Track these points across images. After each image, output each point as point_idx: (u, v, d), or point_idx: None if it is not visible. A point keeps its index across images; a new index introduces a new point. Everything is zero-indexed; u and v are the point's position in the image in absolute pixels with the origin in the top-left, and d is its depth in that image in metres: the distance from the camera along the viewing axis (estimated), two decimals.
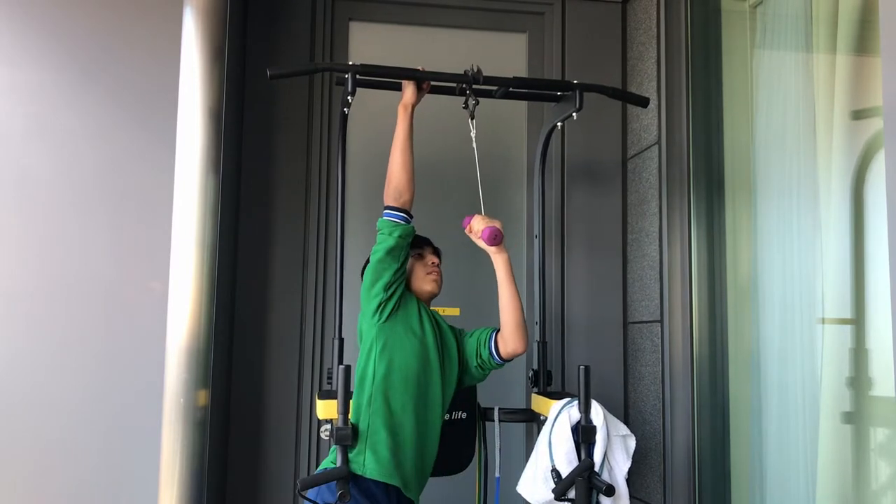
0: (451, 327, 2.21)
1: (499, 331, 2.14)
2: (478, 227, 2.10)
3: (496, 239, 2.08)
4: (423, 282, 2.17)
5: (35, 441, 2.25)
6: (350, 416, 2.02)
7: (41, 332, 2.28)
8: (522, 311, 2.13)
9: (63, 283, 2.30)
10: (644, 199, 2.78)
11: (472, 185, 2.24)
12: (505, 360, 2.15)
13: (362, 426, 2.00)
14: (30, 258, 2.29)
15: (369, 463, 1.98)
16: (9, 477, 2.23)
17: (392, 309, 2.04)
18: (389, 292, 2.04)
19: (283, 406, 2.72)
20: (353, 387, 2.07)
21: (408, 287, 2.14)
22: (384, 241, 2.03)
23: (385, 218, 2.06)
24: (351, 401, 2.05)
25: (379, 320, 2.04)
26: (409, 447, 2.03)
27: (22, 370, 2.25)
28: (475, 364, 2.17)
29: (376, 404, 2.01)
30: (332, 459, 2.04)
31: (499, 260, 2.12)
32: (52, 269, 2.30)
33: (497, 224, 2.10)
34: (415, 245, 2.15)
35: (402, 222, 2.05)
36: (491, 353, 2.14)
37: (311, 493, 1.92)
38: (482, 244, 2.11)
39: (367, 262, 2.15)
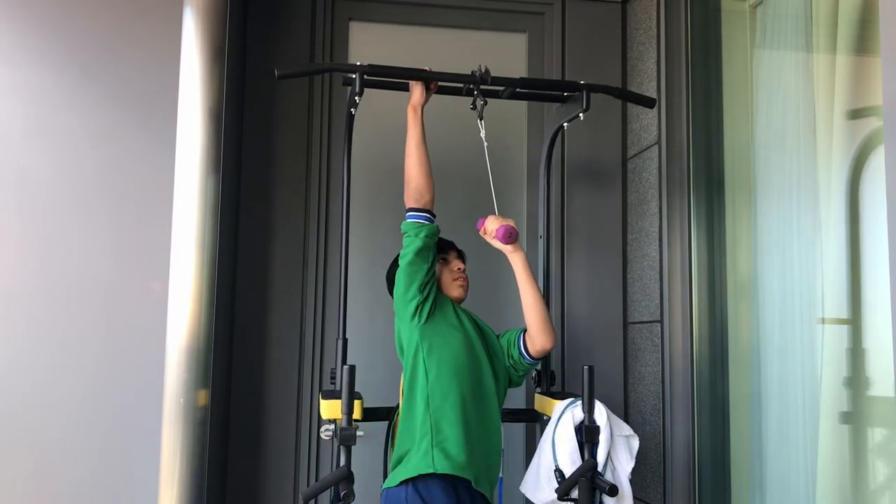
0: (488, 326, 2.25)
1: (526, 331, 2.17)
2: (492, 227, 2.11)
3: (511, 237, 2.09)
4: (450, 288, 2.19)
5: (35, 441, 2.24)
6: (398, 425, 2.07)
7: (41, 332, 2.27)
8: (546, 308, 2.15)
9: (63, 283, 2.29)
10: (644, 199, 2.78)
11: (477, 185, 2.24)
12: (536, 359, 2.18)
13: (426, 426, 2.01)
14: (30, 258, 2.29)
15: (439, 460, 1.98)
16: (9, 477, 2.22)
17: (430, 309, 2.07)
18: (425, 293, 2.05)
19: (283, 406, 2.72)
20: (401, 397, 2.11)
21: (444, 292, 2.18)
22: (411, 242, 2.05)
23: (409, 220, 2.07)
24: (399, 411, 2.12)
25: (419, 322, 2.06)
26: (475, 440, 2.04)
27: (22, 370, 2.25)
28: (508, 364, 2.20)
29: (435, 403, 2.03)
30: (392, 481, 2.05)
31: (515, 259, 2.13)
32: (52, 269, 2.29)
33: (511, 223, 2.11)
34: (440, 250, 2.18)
35: (427, 222, 2.06)
36: (521, 353, 2.17)
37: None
38: (497, 244, 2.12)
39: (391, 268, 2.20)
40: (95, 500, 2.25)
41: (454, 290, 2.20)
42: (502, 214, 2.17)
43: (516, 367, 2.20)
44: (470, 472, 2.01)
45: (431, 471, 1.97)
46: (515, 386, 2.29)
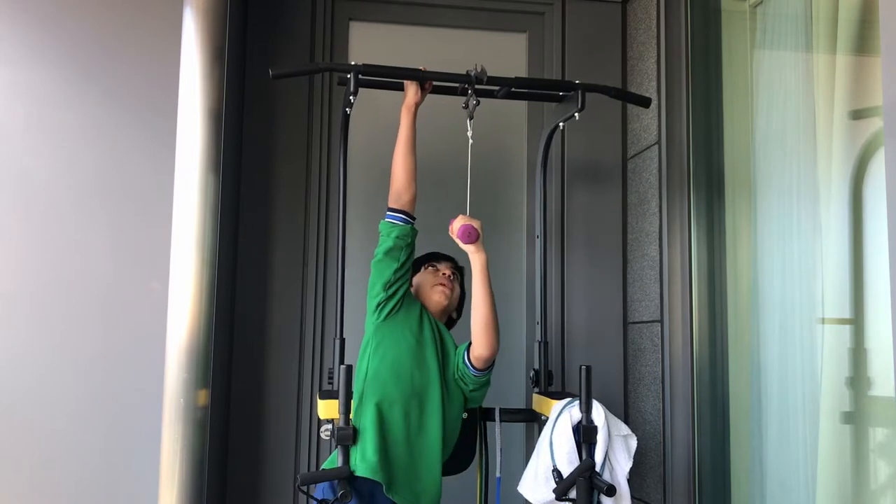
0: (454, 344, 2.20)
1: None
2: (455, 225, 2.10)
3: (470, 236, 2.06)
4: (431, 292, 2.19)
5: (35, 441, 2.25)
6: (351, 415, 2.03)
7: (41, 332, 2.28)
8: (494, 313, 2.06)
9: (63, 283, 2.30)
10: (644, 199, 2.78)
11: (470, 185, 2.24)
12: (478, 369, 2.10)
13: (356, 424, 2.01)
14: (30, 258, 2.29)
15: (358, 460, 1.98)
16: (9, 477, 2.23)
17: (391, 309, 2.07)
18: (389, 292, 2.06)
19: (283, 406, 2.72)
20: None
21: (418, 296, 2.18)
22: (383, 242, 2.08)
23: (385, 220, 2.10)
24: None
25: (377, 319, 2.08)
26: (399, 446, 2.02)
27: (22, 370, 2.25)
28: (456, 377, 2.14)
29: (366, 400, 2.03)
30: (332, 460, 2.03)
31: (475, 259, 2.08)
32: (52, 269, 2.30)
33: (475, 223, 2.08)
34: (433, 258, 2.21)
35: (401, 223, 2.07)
36: (465, 363, 2.10)
37: (317, 491, 1.92)
38: (459, 244, 2.10)
39: None
40: (95, 499, 2.26)
41: (434, 294, 2.18)
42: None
43: (464, 380, 2.13)
44: (381, 476, 1.96)
45: (353, 471, 1.95)
46: (474, 404, 2.23)
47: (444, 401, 2.10)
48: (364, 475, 1.96)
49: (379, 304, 2.07)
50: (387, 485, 1.98)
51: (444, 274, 2.23)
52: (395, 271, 2.06)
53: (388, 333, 2.08)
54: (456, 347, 2.18)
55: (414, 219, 2.10)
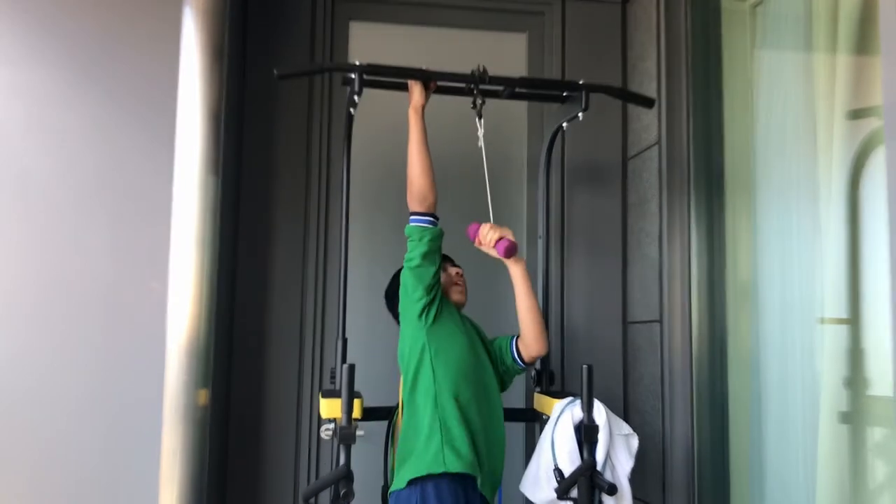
0: (483, 331, 2.29)
1: (517, 337, 2.21)
2: (489, 237, 2.12)
3: (511, 252, 2.11)
4: (451, 292, 2.23)
5: (35, 441, 2.24)
6: (401, 426, 2.09)
7: (41, 332, 2.27)
8: (541, 315, 2.22)
9: (63, 283, 2.29)
10: (644, 199, 2.78)
11: (473, 185, 2.24)
12: (528, 364, 2.24)
13: (432, 427, 2.02)
14: (29, 258, 2.29)
15: (450, 458, 1.98)
16: (9, 477, 2.22)
17: (437, 311, 2.09)
18: (432, 294, 2.07)
19: (283, 406, 2.72)
20: (401, 399, 2.13)
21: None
22: (416, 247, 2.06)
23: (412, 224, 2.08)
24: (399, 411, 2.15)
25: (426, 324, 2.07)
26: (482, 441, 2.06)
27: (22, 370, 2.25)
28: (501, 370, 2.25)
29: (442, 402, 2.04)
30: (399, 483, 2.04)
31: (516, 271, 2.17)
32: (51, 269, 2.29)
33: (509, 234, 2.12)
34: (443, 261, 2.21)
35: (431, 226, 2.08)
36: (514, 359, 2.22)
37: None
38: (495, 254, 2.14)
39: (391, 286, 2.25)
40: (95, 499, 2.25)
41: (454, 295, 2.23)
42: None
43: (508, 373, 2.27)
44: (478, 471, 2.02)
45: (443, 470, 1.97)
46: (503, 391, 2.30)
47: (498, 384, 2.21)
48: (463, 471, 1.98)
49: (425, 308, 2.06)
50: (480, 480, 2.02)
51: (457, 274, 2.28)
52: (434, 274, 2.07)
53: (443, 336, 2.09)
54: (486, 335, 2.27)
55: (438, 219, 2.11)
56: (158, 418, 2.23)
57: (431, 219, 2.09)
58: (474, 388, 2.09)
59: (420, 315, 2.07)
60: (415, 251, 2.06)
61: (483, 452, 2.06)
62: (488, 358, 2.19)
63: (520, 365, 2.23)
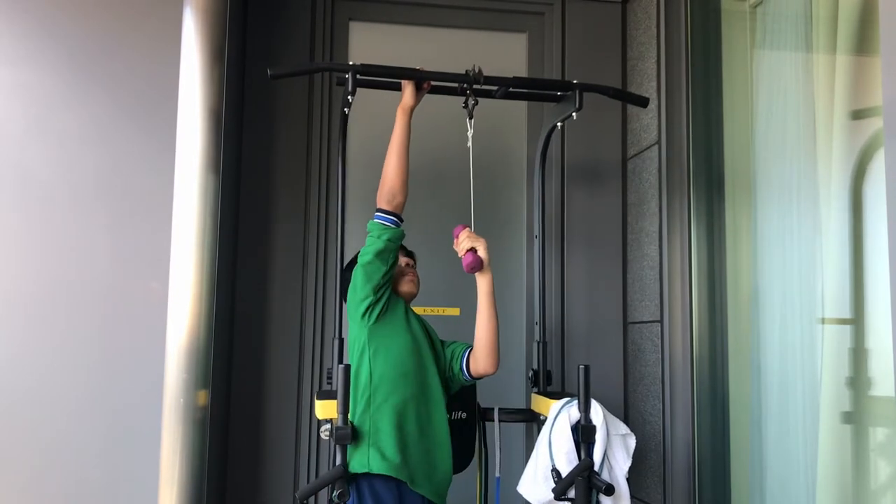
0: (434, 332, 2.24)
1: (471, 349, 2.16)
2: (462, 247, 2.10)
3: (472, 268, 2.08)
4: (402, 283, 2.19)
5: (35, 441, 2.24)
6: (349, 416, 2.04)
7: (41, 331, 2.28)
8: (497, 335, 2.12)
9: (63, 283, 2.29)
10: (644, 199, 2.78)
11: (468, 185, 2.24)
12: (474, 378, 2.17)
13: (364, 426, 2.02)
14: (30, 258, 2.29)
15: (374, 460, 1.99)
16: (9, 477, 2.23)
17: (381, 310, 2.06)
18: (378, 294, 2.05)
19: (283, 406, 2.72)
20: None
21: (393, 289, 2.17)
22: (373, 243, 2.04)
23: (375, 220, 2.07)
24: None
25: (368, 322, 2.05)
26: (414, 442, 2.04)
27: (22, 370, 2.25)
28: (448, 375, 2.19)
29: (376, 403, 2.03)
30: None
31: (481, 284, 2.12)
32: (52, 269, 2.29)
33: (480, 245, 2.08)
34: None
35: (393, 226, 2.06)
36: (462, 369, 2.16)
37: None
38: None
39: (348, 266, 2.20)
40: (95, 500, 2.26)
41: (404, 286, 2.19)
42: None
43: (454, 380, 2.20)
44: (404, 474, 2.01)
45: (366, 470, 1.99)
46: (449, 394, 2.24)
47: (442, 386, 2.14)
48: (386, 473, 1.99)
49: (369, 307, 2.05)
50: (409, 481, 2.02)
51: (406, 264, 2.23)
52: (384, 274, 2.04)
53: (383, 336, 2.07)
54: (435, 333, 2.22)
55: (402, 220, 2.09)
56: (158, 418, 2.23)
57: (395, 219, 2.07)
58: (413, 389, 2.06)
59: (364, 314, 2.05)
60: (370, 247, 2.04)
61: (417, 455, 2.04)
62: (433, 359, 2.13)
63: (465, 377, 2.16)
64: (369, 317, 2.05)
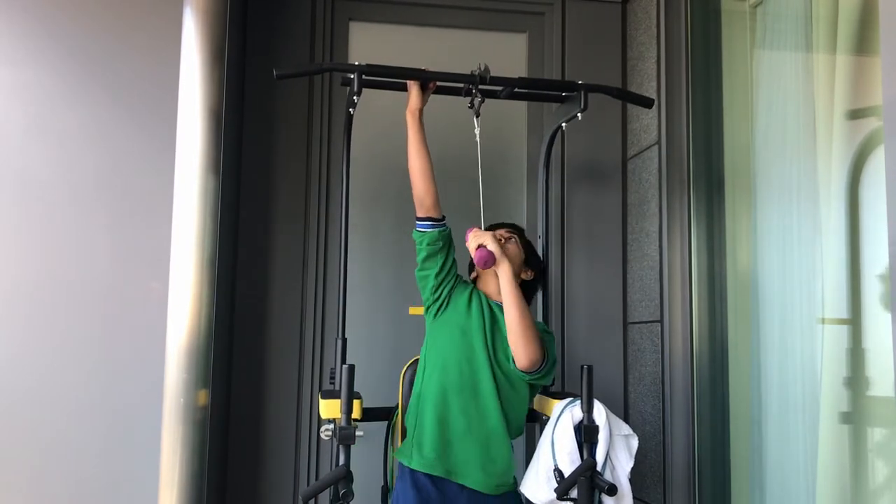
0: None
1: None
2: (471, 245, 2.07)
3: (482, 263, 2.05)
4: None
5: (35, 441, 2.24)
6: (407, 411, 2.15)
7: (41, 332, 2.27)
8: (524, 324, 2.02)
9: (63, 283, 2.29)
10: (644, 199, 2.78)
11: (472, 184, 2.24)
12: (528, 373, 2.05)
13: (411, 419, 2.11)
14: (30, 258, 2.29)
15: (415, 455, 2.05)
16: (9, 477, 2.22)
17: (439, 309, 2.15)
18: (435, 296, 2.14)
19: (283, 406, 2.72)
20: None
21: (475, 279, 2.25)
22: (418, 252, 2.13)
23: (415, 230, 2.13)
24: (401, 411, 2.23)
25: (431, 319, 2.17)
26: (460, 437, 2.05)
27: (22, 370, 2.25)
28: (512, 368, 2.10)
29: (423, 395, 2.09)
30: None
31: (500, 277, 2.07)
32: (51, 269, 2.29)
33: (486, 240, 2.05)
34: None
35: (428, 230, 2.10)
36: (512, 361, 2.08)
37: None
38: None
39: None
40: (95, 500, 2.25)
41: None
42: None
43: (512, 373, 2.11)
44: (440, 469, 2.03)
45: (408, 464, 2.06)
46: (533, 388, 2.19)
47: (497, 384, 2.08)
48: (420, 470, 2.03)
49: (428, 308, 2.16)
50: (448, 473, 2.04)
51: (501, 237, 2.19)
52: (436, 275, 2.11)
53: (438, 330, 2.15)
54: None
55: (442, 218, 2.12)
56: (158, 418, 2.23)
57: (431, 222, 2.09)
58: (458, 387, 2.06)
59: (426, 311, 2.18)
60: (417, 257, 2.14)
61: (465, 448, 2.04)
62: (487, 355, 2.08)
63: (520, 371, 2.05)
64: (430, 316, 2.17)
